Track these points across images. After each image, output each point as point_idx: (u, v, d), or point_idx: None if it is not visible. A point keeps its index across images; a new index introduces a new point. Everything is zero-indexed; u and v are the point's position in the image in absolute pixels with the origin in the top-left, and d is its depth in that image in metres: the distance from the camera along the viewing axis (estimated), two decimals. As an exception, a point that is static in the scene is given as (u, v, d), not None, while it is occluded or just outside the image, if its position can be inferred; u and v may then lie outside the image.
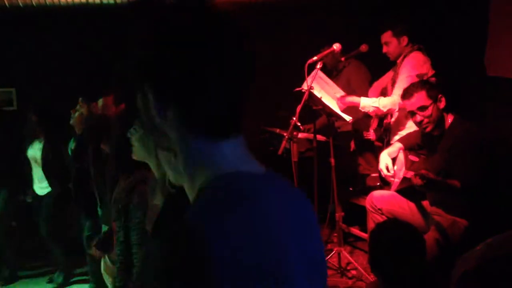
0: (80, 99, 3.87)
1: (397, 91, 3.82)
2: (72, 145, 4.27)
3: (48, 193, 4.60)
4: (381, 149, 3.92)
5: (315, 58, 3.70)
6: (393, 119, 4.04)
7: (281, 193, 0.89)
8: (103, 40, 5.56)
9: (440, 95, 3.20)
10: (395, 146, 3.59)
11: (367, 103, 3.90)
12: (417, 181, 3.02)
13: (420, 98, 3.18)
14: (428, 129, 3.24)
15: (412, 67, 3.84)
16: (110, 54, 5.47)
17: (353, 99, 3.94)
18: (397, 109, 3.85)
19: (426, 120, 3.20)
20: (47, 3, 5.19)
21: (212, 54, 0.81)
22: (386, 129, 4.09)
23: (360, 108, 3.93)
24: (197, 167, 0.84)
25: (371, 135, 4.15)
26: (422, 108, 3.18)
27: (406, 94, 3.25)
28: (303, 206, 0.94)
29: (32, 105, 4.72)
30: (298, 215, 0.90)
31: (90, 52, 5.63)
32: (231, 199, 0.79)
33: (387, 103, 3.85)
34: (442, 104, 3.19)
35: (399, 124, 3.99)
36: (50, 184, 4.58)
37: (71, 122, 3.93)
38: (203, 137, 0.84)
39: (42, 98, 5.37)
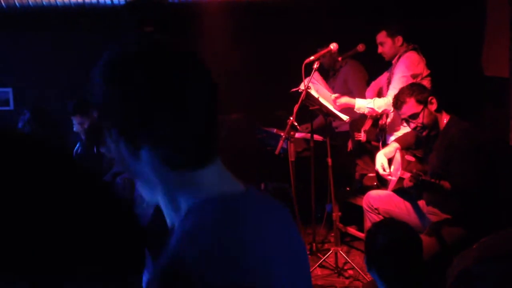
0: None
1: (392, 92, 3.83)
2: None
3: None
4: (377, 149, 3.93)
5: (312, 58, 3.71)
6: (388, 120, 4.05)
7: (263, 210, 0.93)
8: (100, 41, 5.55)
9: (430, 97, 3.19)
10: (392, 146, 3.59)
11: (362, 104, 3.91)
12: (408, 182, 3.04)
13: (409, 106, 3.17)
14: (423, 134, 3.26)
15: (406, 67, 3.85)
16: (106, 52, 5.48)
17: (348, 100, 3.95)
18: (392, 110, 3.86)
19: (419, 127, 3.21)
20: (44, 3, 5.18)
21: (176, 94, 0.80)
22: (381, 129, 4.10)
23: (355, 110, 3.94)
24: (178, 195, 0.85)
25: (361, 136, 4.15)
26: (414, 116, 3.18)
27: (397, 103, 3.25)
28: (285, 219, 0.98)
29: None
30: (281, 229, 0.94)
31: (88, 52, 5.62)
32: (219, 224, 0.81)
33: (382, 104, 3.86)
34: (433, 106, 3.19)
35: (395, 125, 4.00)
36: None
37: (76, 129, 3.98)
38: (180, 170, 0.84)
39: (39, 98, 5.37)
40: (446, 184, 3.03)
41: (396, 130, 3.97)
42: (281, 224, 0.95)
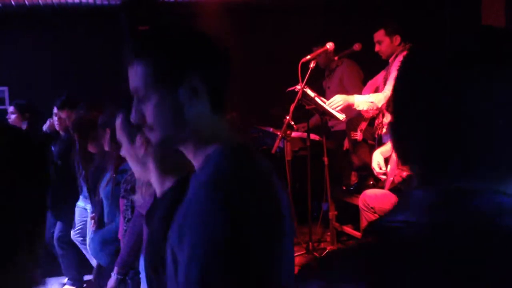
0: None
1: (389, 86, 3.86)
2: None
3: None
4: (373, 148, 3.94)
5: (308, 57, 3.72)
6: (385, 120, 4.06)
7: (261, 157, 1.15)
8: (96, 40, 5.55)
9: None
10: (389, 145, 3.60)
11: (361, 100, 3.90)
12: (398, 178, 3.05)
13: None
14: None
15: None
16: (102, 54, 5.48)
17: (346, 98, 3.93)
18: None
19: None
20: (40, 2, 5.17)
21: (220, 57, 1.13)
22: (377, 128, 4.11)
23: (354, 107, 3.93)
24: (206, 139, 1.09)
25: (358, 135, 4.16)
26: None
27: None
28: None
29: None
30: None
31: (83, 52, 5.62)
32: (242, 164, 1.05)
33: (382, 97, 3.87)
34: None
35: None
36: None
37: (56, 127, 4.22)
38: (218, 113, 1.11)
39: (34, 97, 5.35)
40: None
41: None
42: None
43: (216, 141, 1.07)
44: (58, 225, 4.19)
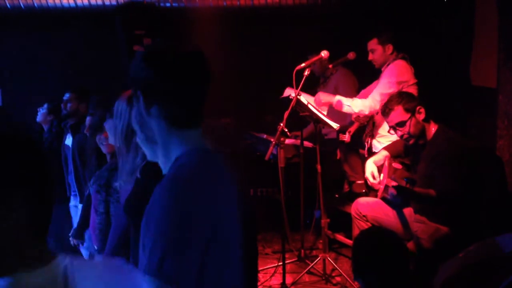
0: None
1: (373, 94, 3.91)
2: None
3: None
4: (365, 157, 3.95)
5: (303, 65, 3.73)
6: (380, 130, 4.07)
7: (223, 162, 1.29)
8: (91, 43, 5.54)
9: (419, 107, 3.21)
10: (381, 154, 3.61)
11: (343, 102, 3.98)
12: (391, 192, 3.06)
13: (397, 114, 3.20)
14: (410, 142, 3.29)
15: (393, 73, 3.91)
16: (97, 56, 5.48)
17: (328, 97, 4.05)
18: (367, 112, 3.93)
19: (406, 136, 3.24)
20: (35, 4, 5.16)
21: (181, 74, 1.23)
22: (367, 135, 4.13)
23: (334, 106, 4.02)
24: (172, 148, 1.24)
25: (346, 137, 4.18)
26: (400, 124, 3.21)
27: (385, 110, 3.28)
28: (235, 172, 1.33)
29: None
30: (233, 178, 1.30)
31: (76, 53, 5.62)
32: (198, 166, 1.21)
33: (359, 103, 3.94)
34: (421, 116, 3.21)
35: (381, 131, 4.03)
36: None
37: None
38: (175, 127, 1.24)
39: (28, 98, 5.35)
40: (430, 192, 3.05)
41: (382, 136, 4.00)
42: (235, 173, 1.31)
43: (183, 147, 1.23)
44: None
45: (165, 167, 1.27)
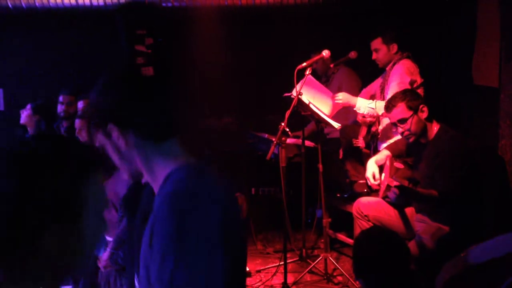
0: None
1: (390, 96, 3.86)
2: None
3: None
4: (368, 156, 3.94)
5: (304, 64, 3.73)
6: (380, 127, 4.07)
7: (213, 173, 1.31)
8: (92, 43, 5.54)
9: (422, 106, 3.21)
10: (383, 154, 3.60)
11: (364, 104, 3.92)
12: (393, 192, 3.06)
13: (399, 111, 3.20)
14: (410, 140, 3.29)
15: (404, 74, 3.87)
16: (98, 56, 5.47)
17: (348, 97, 3.97)
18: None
19: (406, 133, 3.24)
20: (37, 4, 5.16)
21: (151, 101, 1.23)
22: (373, 136, 4.11)
23: (355, 109, 3.95)
24: (154, 165, 1.26)
25: (360, 142, 4.17)
26: (402, 121, 3.21)
27: (388, 106, 3.27)
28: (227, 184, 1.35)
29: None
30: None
31: (78, 53, 5.61)
32: (195, 179, 1.23)
33: (382, 106, 3.88)
34: (424, 115, 3.21)
35: (387, 132, 4.02)
36: None
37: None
38: (152, 144, 1.25)
39: (29, 99, 5.34)
40: (432, 192, 3.05)
41: (389, 137, 3.99)
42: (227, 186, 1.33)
43: (170, 163, 1.24)
44: None
45: (155, 187, 1.27)
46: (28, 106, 4.59)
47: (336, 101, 3.97)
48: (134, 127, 1.23)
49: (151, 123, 1.24)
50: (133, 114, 1.22)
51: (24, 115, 4.55)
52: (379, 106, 3.86)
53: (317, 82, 4.10)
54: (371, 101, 3.93)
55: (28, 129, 4.60)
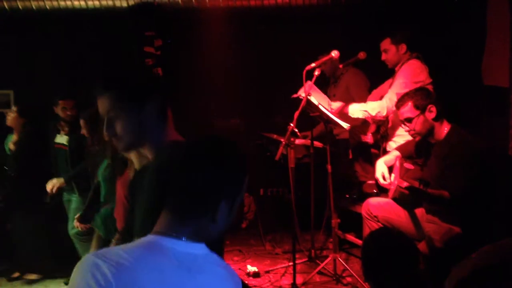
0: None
1: (389, 95, 3.87)
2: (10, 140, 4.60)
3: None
4: (378, 156, 3.93)
5: (313, 64, 3.72)
6: (389, 125, 4.06)
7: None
8: (101, 44, 5.57)
9: (430, 106, 3.19)
10: (392, 154, 3.59)
11: (355, 108, 3.93)
12: (402, 191, 3.05)
13: (407, 109, 3.20)
14: (416, 139, 3.29)
15: (409, 73, 3.87)
16: (108, 56, 5.50)
17: (340, 105, 4.00)
18: (384, 113, 3.89)
19: (412, 132, 3.24)
20: (47, 7, 5.20)
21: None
22: (382, 135, 4.10)
23: (349, 115, 3.96)
24: (154, 139, 1.57)
25: (368, 138, 4.16)
26: (408, 120, 3.21)
27: (399, 103, 3.28)
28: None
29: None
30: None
31: (87, 55, 5.64)
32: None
33: (376, 106, 3.89)
34: (431, 115, 3.19)
35: (395, 130, 4.01)
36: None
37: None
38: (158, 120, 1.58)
39: (39, 100, 5.37)
40: (443, 193, 3.03)
41: (397, 136, 3.97)
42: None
43: (162, 140, 1.54)
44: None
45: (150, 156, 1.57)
46: (13, 109, 4.62)
47: (330, 110, 4.01)
48: (153, 97, 1.56)
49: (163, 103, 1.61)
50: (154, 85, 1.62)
51: (11, 118, 4.55)
52: (371, 106, 3.87)
53: (317, 88, 4.12)
54: (362, 104, 3.95)
55: (14, 131, 4.63)
